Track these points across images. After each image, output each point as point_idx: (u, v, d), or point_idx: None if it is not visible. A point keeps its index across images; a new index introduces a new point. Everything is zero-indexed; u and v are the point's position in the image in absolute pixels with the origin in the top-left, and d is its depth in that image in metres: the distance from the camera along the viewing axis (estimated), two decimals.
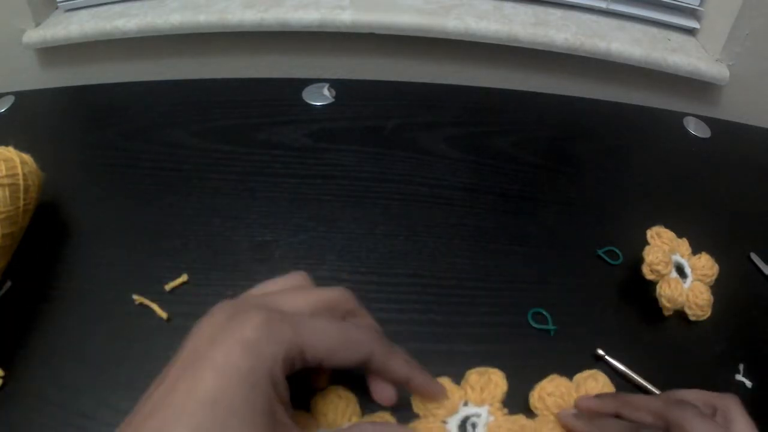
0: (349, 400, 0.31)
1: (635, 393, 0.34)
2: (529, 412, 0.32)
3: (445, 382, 0.33)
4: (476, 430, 0.31)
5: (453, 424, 0.31)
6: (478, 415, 0.32)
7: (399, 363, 0.29)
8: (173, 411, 0.22)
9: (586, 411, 0.31)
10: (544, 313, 0.39)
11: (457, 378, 0.33)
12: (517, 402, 0.33)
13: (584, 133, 0.57)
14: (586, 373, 0.34)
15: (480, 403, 0.32)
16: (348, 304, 0.30)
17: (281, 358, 0.24)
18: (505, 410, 0.32)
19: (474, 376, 0.33)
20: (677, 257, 0.41)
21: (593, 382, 0.33)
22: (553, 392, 0.32)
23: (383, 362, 0.28)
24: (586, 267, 0.43)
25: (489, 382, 0.33)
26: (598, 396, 0.32)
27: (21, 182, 0.39)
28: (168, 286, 0.39)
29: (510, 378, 0.33)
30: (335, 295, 0.29)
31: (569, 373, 0.34)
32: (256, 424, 0.22)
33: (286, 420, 0.24)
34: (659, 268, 0.38)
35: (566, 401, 0.32)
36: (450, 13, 0.61)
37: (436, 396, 0.31)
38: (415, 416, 0.31)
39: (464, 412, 0.32)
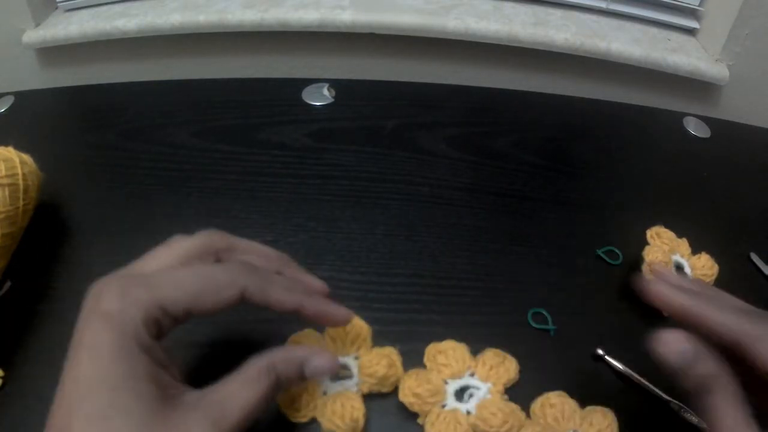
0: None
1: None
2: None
3: (460, 348, 0.33)
4: (470, 400, 0.32)
5: (453, 387, 0.32)
6: (477, 388, 0.32)
7: (279, 291, 0.27)
8: (67, 403, 0.22)
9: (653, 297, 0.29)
10: (544, 313, 0.39)
11: (474, 353, 0.34)
12: (514, 399, 0.33)
13: (584, 133, 0.57)
14: (598, 409, 0.33)
15: (485, 380, 0.33)
16: (220, 243, 0.29)
17: (141, 322, 0.23)
18: (505, 396, 0.32)
19: (490, 353, 0.34)
20: (677, 257, 0.41)
21: (601, 417, 0.32)
22: (556, 405, 0.32)
23: (261, 295, 0.27)
24: (586, 267, 0.43)
25: (501, 365, 0.33)
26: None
27: (21, 182, 0.39)
28: None
29: None
30: (200, 240, 0.28)
31: (569, 372, 0.34)
32: (142, 393, 0.22)
33: (170, 381, 0.24)
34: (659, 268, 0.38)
35: (565, 418, 0.32)
36: (450, 13, 0.61)
37: (339, 321, 0.30)
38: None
39: (467, 381, 0.32)
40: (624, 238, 0.44)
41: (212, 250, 0.28)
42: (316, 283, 0.32)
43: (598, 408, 0.32)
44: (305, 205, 0.46)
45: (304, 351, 0.29)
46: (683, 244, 0.42)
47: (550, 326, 0.38)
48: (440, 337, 0.36)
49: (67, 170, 0.48)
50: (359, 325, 0.34)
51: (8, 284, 0.39)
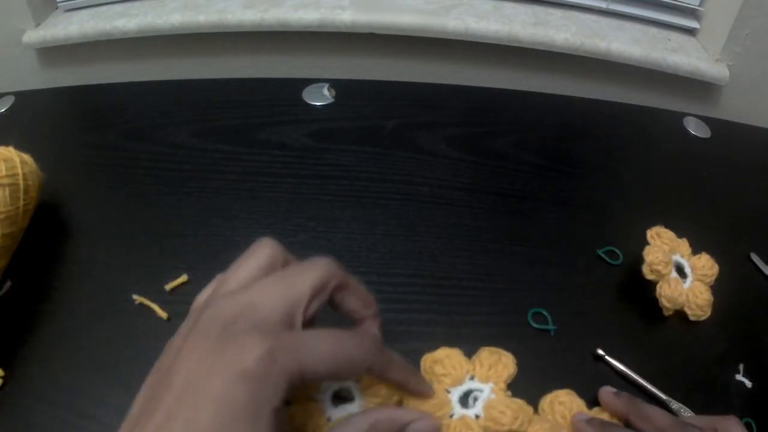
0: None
1: (646, 401, 0.34)
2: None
3: (455, 354, 0.33)
4: (476, 403, 0.31)
5: (456, 394, 0.32)
6: (480, 390, 0.32)
7: (396, 372, 0.28)
8: None
9: (602, 402, 0.32)
10: (544, 313, 0.39)
11: (470, 353, 0.33)
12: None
13: (584, 133, 0.57)
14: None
15: (485, 380, 0.32)
16: (335, 279, 0.28)
17: (283, 389, 0.23)
18: (508, 392, 0.32)
19: (485, 353, 0.33)
20: (677, 257, 0.41)
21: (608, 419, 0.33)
22: (565, 402, 0.33)
23: (380, 374, 0.28)
24: (586, 267, 0.43)
25: (498, 362, 0.33)
26: (616, 393, 0.32)
27: (21, 182, 0.39)
28: (168, 286, 0.39)
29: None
30: (320, 275, 0.27)
31: (569, 372, 0.34)
32: None
33: None
34: (659, 268, 0.38)
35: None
36: (450, 13, 0.61)
37: (426, 397, 0.31)
38: None
39: (469, 385, 0.32)
40: (624, 238, 0.44)
41: (330, 287, 0.28)
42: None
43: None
44: (305, 205, 0.46)
45: (408, 414, 0.28)
46: (683, 244, 0.42)
47: (550, 326, 0.38)
48: (440, 337, 0.36)
49: (67, 170, 0.48)
50: None
51: (8, 284, 0.39)
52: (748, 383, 0.36)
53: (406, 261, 0.42)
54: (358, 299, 0.29)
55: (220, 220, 0.44)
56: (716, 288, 0.40)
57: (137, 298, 0.38)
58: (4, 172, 0.38)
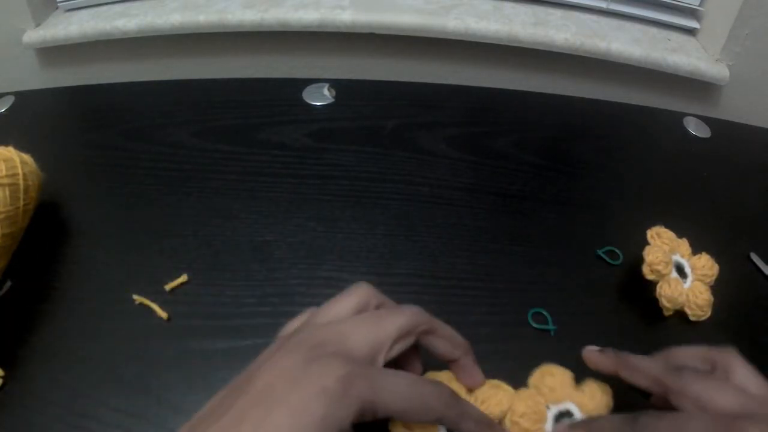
0: None
1: (636, 357, 0.32)
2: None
3: (566, 374, 0.33)
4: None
5: (553, 411, 0.32)
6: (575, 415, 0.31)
7: (469, 425, 0.28)
8: None
9: (588, 362, 0.32)
10: (544, 313, 0.39)
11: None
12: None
13: (584, 133, 0.57)
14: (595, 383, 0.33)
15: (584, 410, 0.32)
16: (422, 325, 0.29)
17: (354, 412, 0.24)
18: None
19: (594, 386, 0.32)
20: (677, 257, 0.41)
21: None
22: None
23: (453, 424, 0.28)
24: (586, 267, 0.43)
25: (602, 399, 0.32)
26: (601, 350, 0.32)
27: (21, 182, 0.39)
28: (168, 286, 0.39)
29: (509, 377, 0.33)
30: (407, 321, 0.28)
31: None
32: None
33: None
34: (659, 268, 0.38)
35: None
36: (450, 13, 0.61)
37: None
38: None
39: (567, 406, 0.32)
40: (624, 238, 0.44)
41: (416, 332, 0.29)
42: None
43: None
44: (305, 205, 0.46)
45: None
46: (683, 244, 0.42)
47: (550, 326, 0.38)
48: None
49: (67, 170, 0.48)
50: None
51: (9, 284, 0.39)
52: None
53: (406, 261, 0.42)
54: (446, 342, 0.30)
55: (220, 220, 0.44)
56: (716, 288, 0.40)
57: (137, 298, 0.38)
58: (4, 172, 0.38)
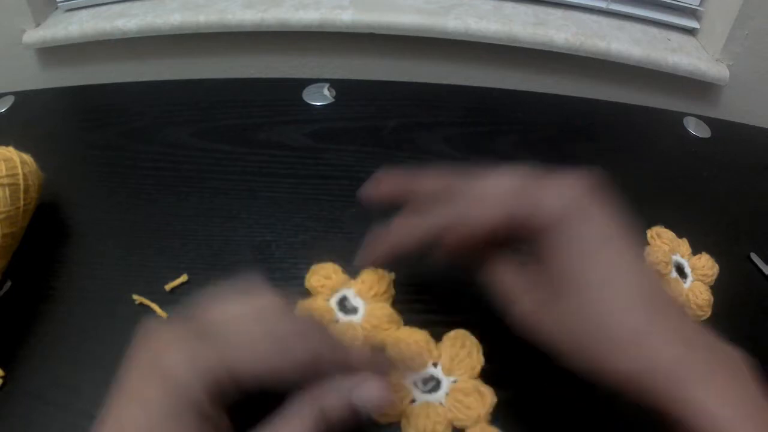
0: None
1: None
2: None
3: (422, 336, 0.36)
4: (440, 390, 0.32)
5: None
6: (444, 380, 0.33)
7: (356, 359, 0.26)
8: None
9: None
10: None
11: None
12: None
13: (584, 133, 0.57)
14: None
15: (449, 373, 0.33)
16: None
17: (205, 390, 0.22)
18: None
19: (449, 342, 0.35)
20: (677, 257, 0.41)
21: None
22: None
23: (335, 360, 0.25)
24: None
25: (466, 356, 0.34)
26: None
27: (21, 182, 0.39)
28: (168, 286, 0.39)
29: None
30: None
31: (570, 372, 0.34)
32: None
33: None
34: (659, 268, 0.38)
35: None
36: (450, 13, 0.61)
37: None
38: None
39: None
40: None
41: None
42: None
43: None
44: (305, 205, 0.46)
45: (351, 381, 0.25)
46: (683, 244, 0.42)
47: None
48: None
49: (67, 170, 0.48)
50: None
51: (9, 284, 0.39)
52: None
53: (406, 261, 0.42)
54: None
55: (220, 220, 0.44)
56: (716, 288, 0.40)
57: (137, 298, 0.38)
58: (4, 172, 0.38)
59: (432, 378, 0.33)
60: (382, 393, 0.25)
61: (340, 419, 0.24)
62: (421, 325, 0.37)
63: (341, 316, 0.36)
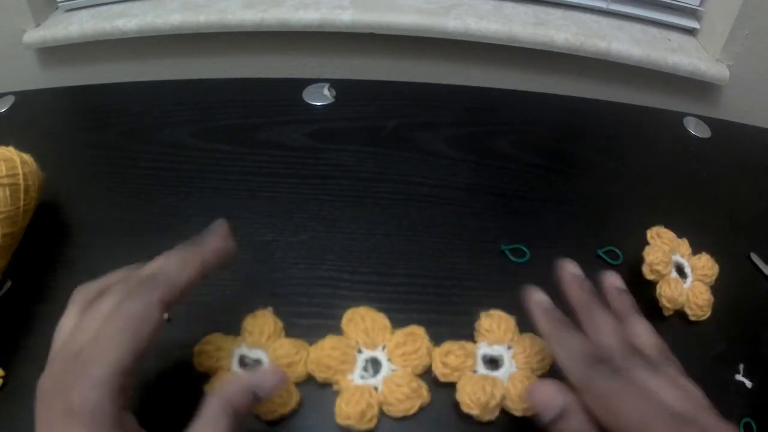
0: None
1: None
2: None
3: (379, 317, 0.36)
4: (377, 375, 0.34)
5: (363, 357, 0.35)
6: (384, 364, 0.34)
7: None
8: None
9: (562, 281, 0.33)
10: None
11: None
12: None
13: (584, 133, 0.57)
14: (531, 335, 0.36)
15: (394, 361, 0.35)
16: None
17: (109, 403, 0.23)
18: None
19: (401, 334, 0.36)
20: (677, 257, 0.41)
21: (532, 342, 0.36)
22: (493, 317, 0.37)
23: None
24: (586, 267, 0.43)
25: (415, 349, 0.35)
26: (582, 280, 0.33)
27: (21, 182, 0.39)
28: None
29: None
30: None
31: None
32: None
33: None
34: (659, 268, 0.38)
35: (501, 331, 0.36)
36: (450, 13, 0.61)
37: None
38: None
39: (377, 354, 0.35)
40: (624, 238, 0.44)
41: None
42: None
43: (531, 334, 0.36)
44: (305, 205, 0.46)
45: (252, 377, 0.29)
46: (683, 244, 0.42)
47: None
48: (440, 338, 0.36)
49: (67, 170, 0.48)
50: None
51: (9, 284, 0.39)
52: (748, 383, 0.37)
53: (406, 261, 0.42)
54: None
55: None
56: (716, 288, 0.40)
57: None
58: (4, 172, 0.38)
59: (375, 361, 0.35)
60: (280, 379, 0.29)
61: (245, 406, 0.27)
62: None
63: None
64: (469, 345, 0.35)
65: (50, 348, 0.27)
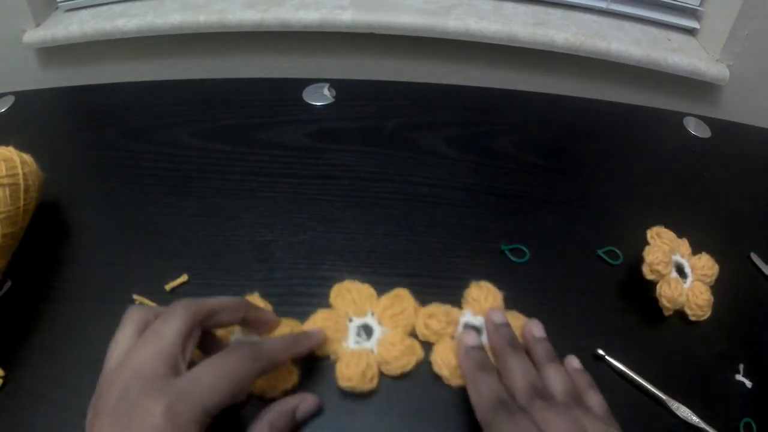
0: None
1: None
2: None
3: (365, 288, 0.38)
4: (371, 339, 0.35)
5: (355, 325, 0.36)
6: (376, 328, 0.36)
7: (282, 356, 0.31)
8: None
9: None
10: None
11: None
12: None
13: (584, 133, 0.57)
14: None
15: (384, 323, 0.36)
16: (198, 316, 0.29)
17: (196, 429, 0.25)
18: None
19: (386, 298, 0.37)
20: (677, 257, 0.41)
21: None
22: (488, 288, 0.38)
23: (270, 371, 0.30)
24: (586, 267, 0.43)
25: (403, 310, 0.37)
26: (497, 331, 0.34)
27: (21, 182, 0.39)
28: (168, 286, 0.39)
29: None
30: (182, 320, 0.28)
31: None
32: None
33: None
34: (659, 268, 0.38)
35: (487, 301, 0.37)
36: (450, 13, 0.61)
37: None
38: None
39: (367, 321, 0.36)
40: (624, 238, 0.44)
41: (195, 323, 0.29)
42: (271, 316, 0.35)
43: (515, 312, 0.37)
44: (305, 205, 0.46)
45: (293, 400, 0.32)
46: (683, 244, 0.42)
47: None
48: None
49: (67, 170, 0.48)
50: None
51: (9, 284, 0.39)
52: (748, 383, 0.37)
53: (406, 261, 0.42)
54: (227, 313, 0.31)
55: (220, 220, 0.44)
56: (716, 288, 0.40)
57: (137, 298, 0.38)
58: (4, 172, 0.38)
59: (367, 326, 0.36)
60: (316, 404, 0.33)
61: (287, 428, 0.31)
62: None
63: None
64: (454, 311, 0.37)
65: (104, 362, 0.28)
